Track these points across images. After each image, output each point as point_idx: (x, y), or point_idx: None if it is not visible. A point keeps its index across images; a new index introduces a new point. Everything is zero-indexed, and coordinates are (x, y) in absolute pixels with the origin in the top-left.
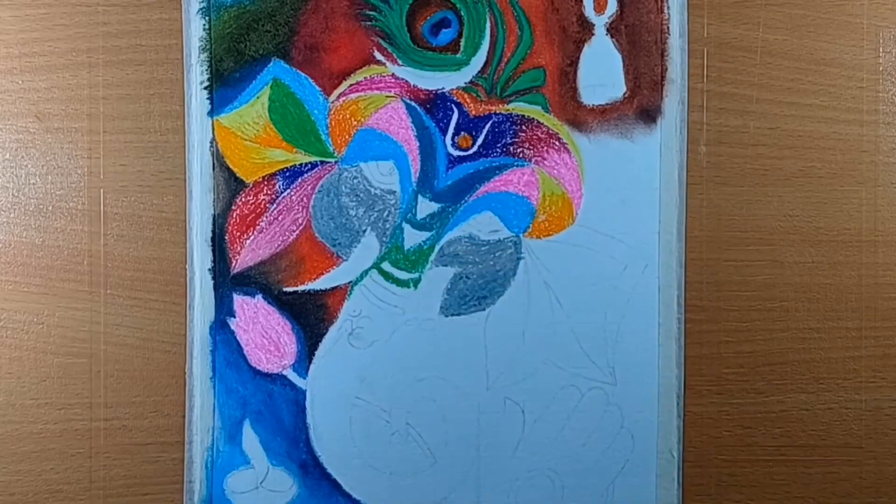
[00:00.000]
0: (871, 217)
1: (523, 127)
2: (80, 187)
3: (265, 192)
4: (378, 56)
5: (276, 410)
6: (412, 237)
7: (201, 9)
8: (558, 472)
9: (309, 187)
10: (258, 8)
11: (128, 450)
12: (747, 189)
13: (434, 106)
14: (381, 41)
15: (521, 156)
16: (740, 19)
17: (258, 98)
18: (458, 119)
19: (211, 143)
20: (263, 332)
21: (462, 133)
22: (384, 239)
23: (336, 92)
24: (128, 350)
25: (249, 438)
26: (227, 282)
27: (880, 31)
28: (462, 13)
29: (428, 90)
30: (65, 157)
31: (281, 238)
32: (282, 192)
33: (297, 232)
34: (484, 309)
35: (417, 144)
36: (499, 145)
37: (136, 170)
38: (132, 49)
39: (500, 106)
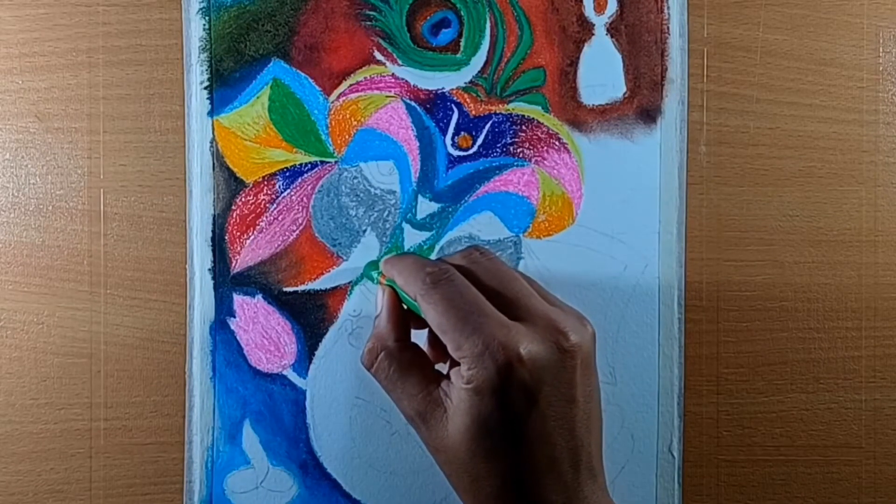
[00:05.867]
0: (871, 217)
1: (523, 127)
2: (80, 187)
3: (265, 192)
4: (378, 56)
5: (276, 410)
6: (412, 237)
7: (201, 9)
8: None
9: (309, 187)
10: (258, 8)
11: (128, 450)
12: (747, 189)
13: (434, 106)
14: (381, 41)
15: (521, 156)
16: (740, 19)
17: (258, 98)
18: (458, 119)
19: (211, 143)
20: (263, 332)
21: (462, 133)
22: (384, 239)
23: (336, 92)
24: (128, 350)
25: (249, 438)
26: (227, 282)
27: (880, 31)
28: (462, 13)
29: (428, 90)
30: (65, 157)
31: (281, 238)
32: (282, 192)
33: (297, 232)
34: None
35: (417, 144)
36: (499, 145)
37: (136, 170)
38: (132, 49)
39: (500, 106)
